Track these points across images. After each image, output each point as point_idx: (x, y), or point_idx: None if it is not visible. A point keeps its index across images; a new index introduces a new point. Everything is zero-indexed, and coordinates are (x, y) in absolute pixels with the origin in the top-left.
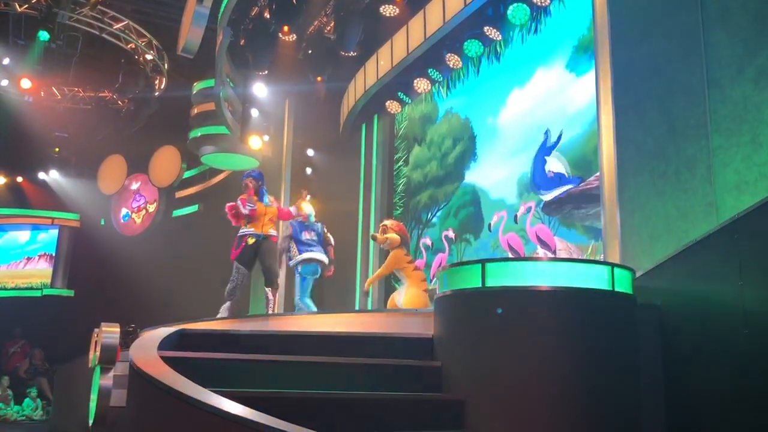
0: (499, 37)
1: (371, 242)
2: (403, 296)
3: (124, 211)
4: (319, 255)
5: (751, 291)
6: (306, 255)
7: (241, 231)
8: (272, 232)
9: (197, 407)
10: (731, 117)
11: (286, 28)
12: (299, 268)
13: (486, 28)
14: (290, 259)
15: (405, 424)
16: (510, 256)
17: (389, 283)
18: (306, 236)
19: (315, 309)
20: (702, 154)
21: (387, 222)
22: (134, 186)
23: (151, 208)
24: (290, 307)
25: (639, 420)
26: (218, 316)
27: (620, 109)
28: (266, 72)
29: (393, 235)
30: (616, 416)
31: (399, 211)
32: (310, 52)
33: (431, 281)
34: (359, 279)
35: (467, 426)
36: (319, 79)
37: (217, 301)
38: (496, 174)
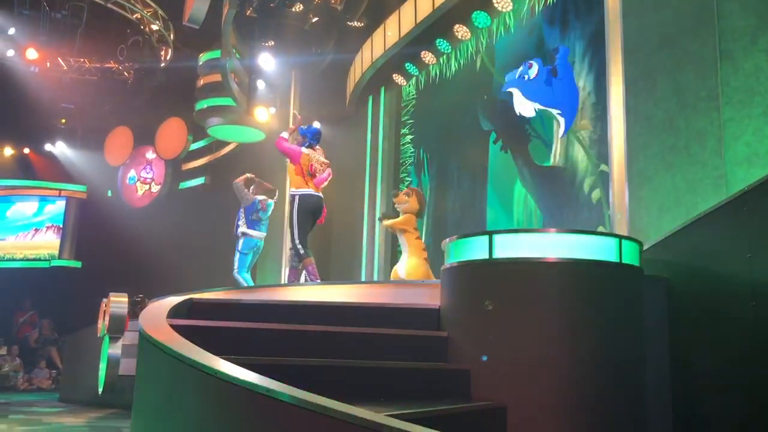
0: (509, 8)
1: (377, 214)
2: (404, 266)
3: (132, 173)
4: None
5: (759, 263)
6: (254, 232)
7: None
8: (292, 191)
9: (209, 374)
10: (743, 89)
11: None
12: (242, 243)
13: None
14: (238, 227)
15: (411, 393)
16: None
17: (395, 254)
18: (255, 216)
19: (252, 283)
20: (713, 126)
21: (413, 188)
22: (148, 155)
23: (155, 188)
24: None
25: (644, 390)
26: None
27: (630, 81)
28: (272, 43)
29: (414, 199)
30: (622, 387)
31: (405, 185)
32: (316, 21)
33: None
34: (365, 251)
35: (473, 395)
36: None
37: (223, 272)
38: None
